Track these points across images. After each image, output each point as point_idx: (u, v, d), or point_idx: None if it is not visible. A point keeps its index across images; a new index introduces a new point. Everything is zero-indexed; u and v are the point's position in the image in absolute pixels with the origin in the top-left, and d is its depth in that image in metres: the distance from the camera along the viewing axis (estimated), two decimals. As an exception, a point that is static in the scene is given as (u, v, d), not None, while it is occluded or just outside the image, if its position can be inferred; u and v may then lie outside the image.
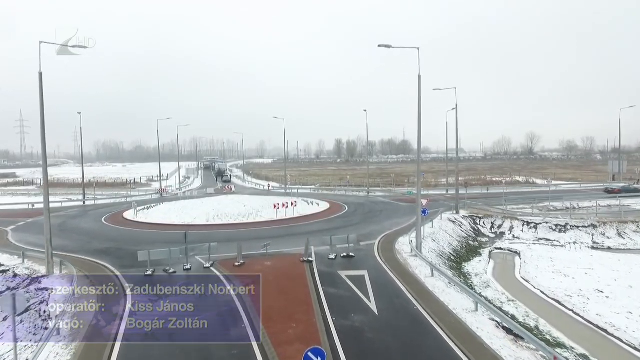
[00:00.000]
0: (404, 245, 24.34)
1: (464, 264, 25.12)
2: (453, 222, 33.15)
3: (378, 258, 21.42)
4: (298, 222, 31.84)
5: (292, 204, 34.27)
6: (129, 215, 34.97)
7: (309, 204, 40.55)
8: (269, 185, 66.03)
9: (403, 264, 20.41)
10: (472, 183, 63.51)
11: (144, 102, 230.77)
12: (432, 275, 18.66)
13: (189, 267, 19.91)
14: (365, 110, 53.34)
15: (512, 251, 28.17)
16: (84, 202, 49.49)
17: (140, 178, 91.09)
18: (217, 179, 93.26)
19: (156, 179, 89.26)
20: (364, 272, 18.69)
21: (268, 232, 28.36)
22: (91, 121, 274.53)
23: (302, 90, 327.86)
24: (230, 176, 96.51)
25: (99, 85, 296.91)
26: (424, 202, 25.88)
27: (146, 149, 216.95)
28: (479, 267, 24.50)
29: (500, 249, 28.93)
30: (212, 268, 19.83)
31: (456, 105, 35.92)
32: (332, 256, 21.38)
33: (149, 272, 19.05)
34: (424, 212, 25.25)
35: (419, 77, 21.50)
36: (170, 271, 19.27)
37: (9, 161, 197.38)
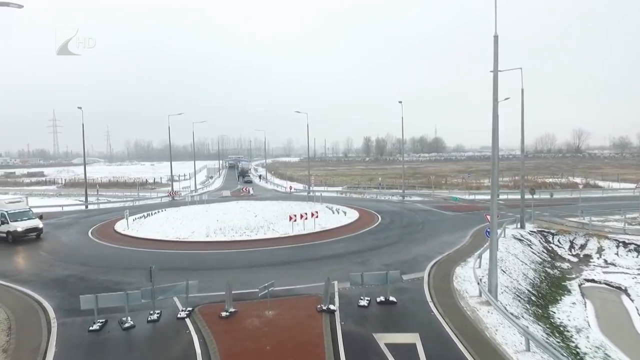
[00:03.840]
0: (465, 281, 17.25)
1: (550, 307, 17.76)
2: (520, 240, 25.59)
3: (432, 306, 14.49)
4: (319, 238, 25.23)
5: (312, 214, 27.73)
6: (120, 226, 29.55)
7: (333, 212, 33.86)
8: (290, 188, 59.81)
9: (473, 321, 13.38)
10: (519, 185, 54.76)
11: (175, 102, 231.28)
12: (528, 350, 11.55)
13: (155, 317, 13.77)
14: (400, 102, 46.19)
15: (612, 286, 20.45)
16: (87, 206, 45.03)
17: (161, 178, 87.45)
18: (239, 178, 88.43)
19: (179, 178, 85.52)
20: (415, 338, 11.86)
21: (279, 254, 21.94)
22: (123, 120, 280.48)
23: (326, 86, 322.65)
24: (260, 176, 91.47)
25: (128, 85, 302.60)
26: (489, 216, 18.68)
27: (175, 148, 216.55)
28: (575, 313, 17.05)
29: (593, 281, 21.23)
30: (187, 320, 13.58)
31: (522, 91, 28.15)
32: (364, 302, 14.67)
33: (96, 327, 13.05)
34: (488, 232, 18.15)
35: (495, 37, 14.51)
36: (127, 325, 13.15)
37: (44, 160, 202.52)
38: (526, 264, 21.70)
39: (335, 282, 16.51)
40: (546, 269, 22.35)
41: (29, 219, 27.16)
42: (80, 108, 42.46)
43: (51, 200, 53.80)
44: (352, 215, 32.92)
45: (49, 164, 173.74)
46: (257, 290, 14.37)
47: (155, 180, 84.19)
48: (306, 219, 27.33)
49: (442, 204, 41.91)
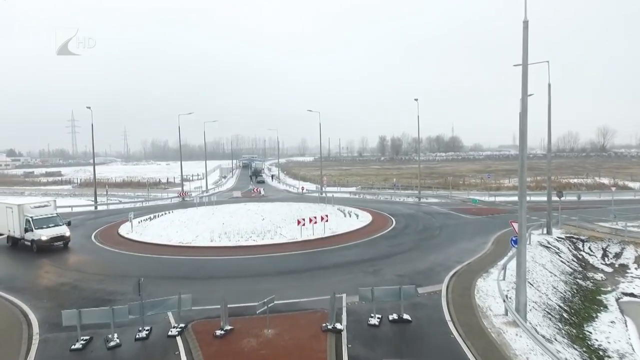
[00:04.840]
0: (488, 296, 15.52)
1: (585, 326, 15.85)
2: (547, 247, 23.58)
3: (451, 327, 12.84)
4: (328, 244, 23.75)
5: (322, 218, 26.25)
6: (124, 229, 28.65)
7: (345, 215, 32.34)
8: (302, 188, 58.43)
9: (499, 346, 11.69)
10: (542, 186, 51.91)
11: (191, 102, 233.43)
12: (567, 386, 9.83)
13: (144, 334, 12.55)
14: (416, 100, 44.32)
15: (654, 301, 18.33)
16: (96, 207, 44.65)
17: (174, 178, 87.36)
18: (252, 178, 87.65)
19: (192, 177, 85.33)
20: (433, 368, 10.30)
21: (284, 262, 20.55)
22: (141, 121, 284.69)
23: (341, 85, 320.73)
24: (273, 176, 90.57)
25: (146, 87, 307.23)
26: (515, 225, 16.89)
27: (191, 147, 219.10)
28: (616, 334, 15.14)
29: (633, 295, 19.14)
30: (178, 338, 12.32)
31: (549, 86, 25.97)
32: (375, 320, 13.14)
33: (79, 345, 11.92)
34: (513, 240, 16.41)
35: (525, 23, 12.81)
36: (112, 344, 11.97)
37: (64, 160, 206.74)
38: (555, 275, 19.75)
39: (344, 296, 15.08)
40: (577, 280, 20.34)
41: (55, 225, 24.01)
42: (89, 108, 42.15)
43: (64, 201, 53.56)
44: (365, 218, 31.32)
45: (68, 163, 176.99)
46: (257, 304, 12.98)
47: (169, 180, 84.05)
48: (315, 222, 25.88)
49: (460, 206, 39.87)
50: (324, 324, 12.83)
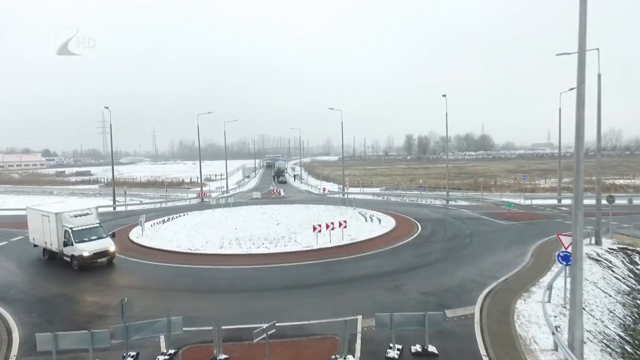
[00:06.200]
0: (531, 324, 13.05)
1: (653, 362, 13.08)
2: (597, 261, 20.61)
3: (488, 365, 10.56)
4: (346, 253, 21.68)
5: (340, 224, 24.21)
6: (134, 234, 27.57)
7: (366, 219, 30.15)
8: (324, 189, 56.50)
9: (551, 397, 9.33)
10: (585, 188, 47.46)
11: (217, 102, 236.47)
12: None
13: (128, 361, 10.96)
14: (444, 96, 41.49)
15: None
16: (114, 208, 44.35)
17: (197, 177, 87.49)
18: (275, 178, 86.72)
19: (215, 177, 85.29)
20: None
21: (296, 274, 18.66)
22: (169, 120, 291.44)
23: (365, 84, 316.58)
24: (295, 176, 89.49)
25: (175, 87, 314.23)
26: (567, 239, 14.35)
27: (217, 147, 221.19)
28: (692, 375, 12.32)
29: None
30: (165, 369, 10.67)
31: (599, 76, 22.94)
32: (394, 353, 11.05)
33: (53, 374, 10.42)
34: (561, 257, 13.86)
35: (583, -9, 10.31)
36: (90, 373, 10.43)
37: (95, 159, 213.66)
38: (610, 296, 16.91)
39: (359, 318, 13.02)
40: (638, 301, 17.38)
41: (98, 238, 20.39)
42: (107, 108, 41.90)
43: (88, 201, 53.91)
44: (388, 223, 29.00)
45: (99, 163, 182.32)
46: (259, 327, 11.13)
47: (192, 180, 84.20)
48: (333, 229, 23.88)
49: (492, 210, 36.81)
50: (333, 356, 10.87)
